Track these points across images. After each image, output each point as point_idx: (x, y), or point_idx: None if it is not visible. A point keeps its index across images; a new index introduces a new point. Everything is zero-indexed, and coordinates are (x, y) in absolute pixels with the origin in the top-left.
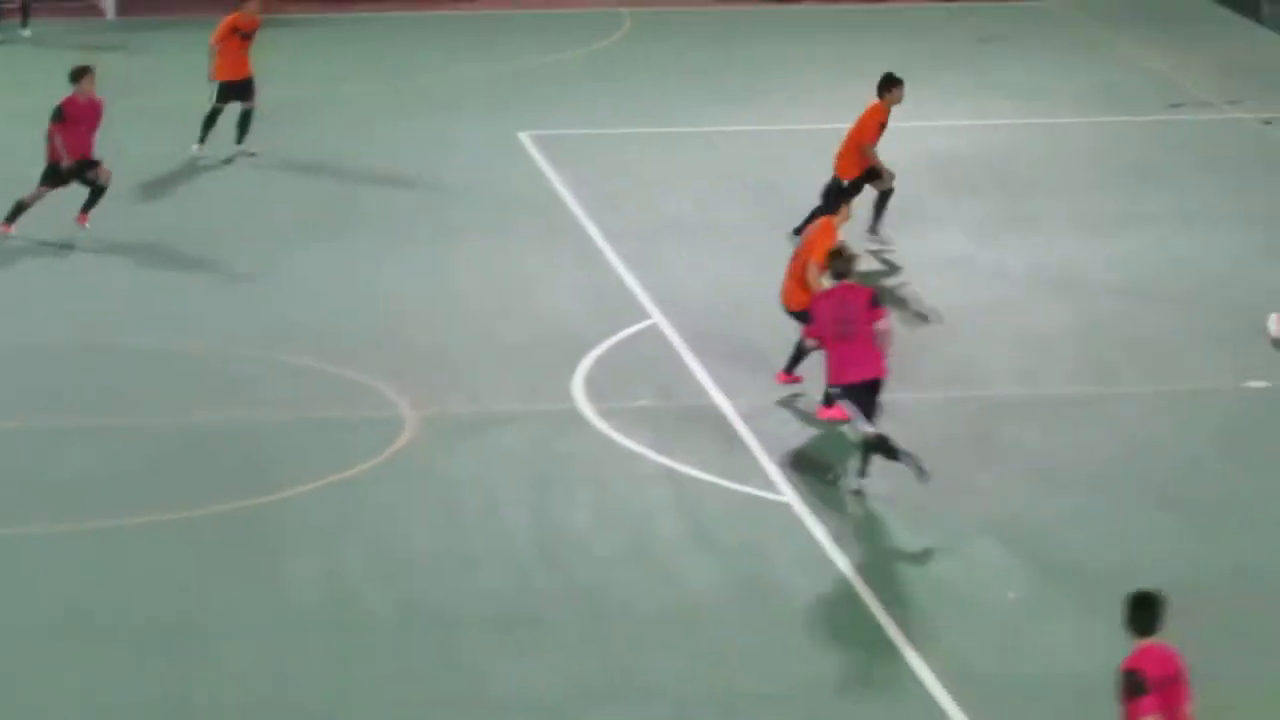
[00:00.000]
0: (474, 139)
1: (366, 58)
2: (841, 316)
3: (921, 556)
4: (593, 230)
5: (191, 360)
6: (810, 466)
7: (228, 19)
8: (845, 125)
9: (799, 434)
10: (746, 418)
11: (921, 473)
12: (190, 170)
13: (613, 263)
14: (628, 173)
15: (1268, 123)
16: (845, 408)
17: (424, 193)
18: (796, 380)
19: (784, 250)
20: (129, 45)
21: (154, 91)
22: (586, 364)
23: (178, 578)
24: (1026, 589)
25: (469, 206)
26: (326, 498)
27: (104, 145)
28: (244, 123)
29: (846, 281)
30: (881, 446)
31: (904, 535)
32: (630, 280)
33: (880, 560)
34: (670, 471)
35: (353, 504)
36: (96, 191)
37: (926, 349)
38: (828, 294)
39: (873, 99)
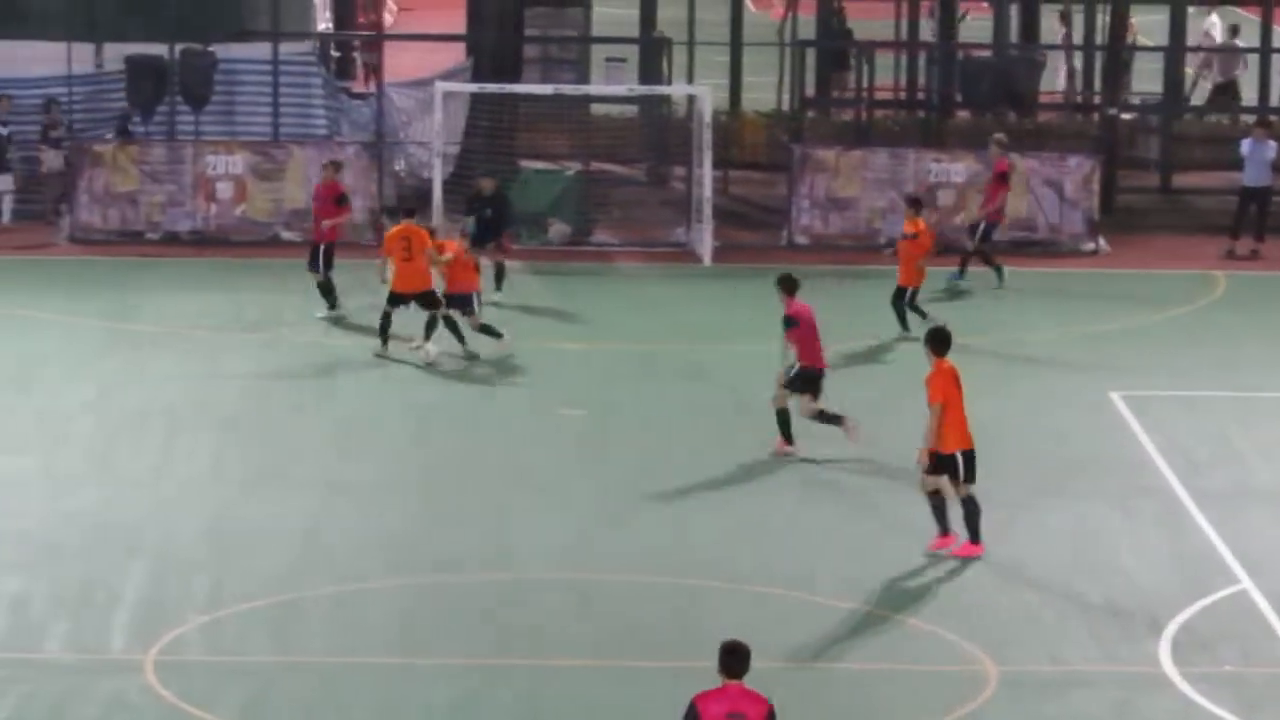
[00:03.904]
0: (1065, 397)
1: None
2: None
3: None
4: (1181, 493)
5: (764, 600)
6: None
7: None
8: None
9: None
10: None
11: None
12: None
13: (1201, 526)
14: (1220, 437)
15: None
16: None
17: (1012, 448)
18: None
19: None
20: (721, 293)
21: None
22: (1172, 626)
23: None
24: None
25: (1057, 463)
26: None
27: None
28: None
29: None
30: None
31: None
32: (1219, 544)
33: None
34: None
35: None
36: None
37: None
38: None
39: None
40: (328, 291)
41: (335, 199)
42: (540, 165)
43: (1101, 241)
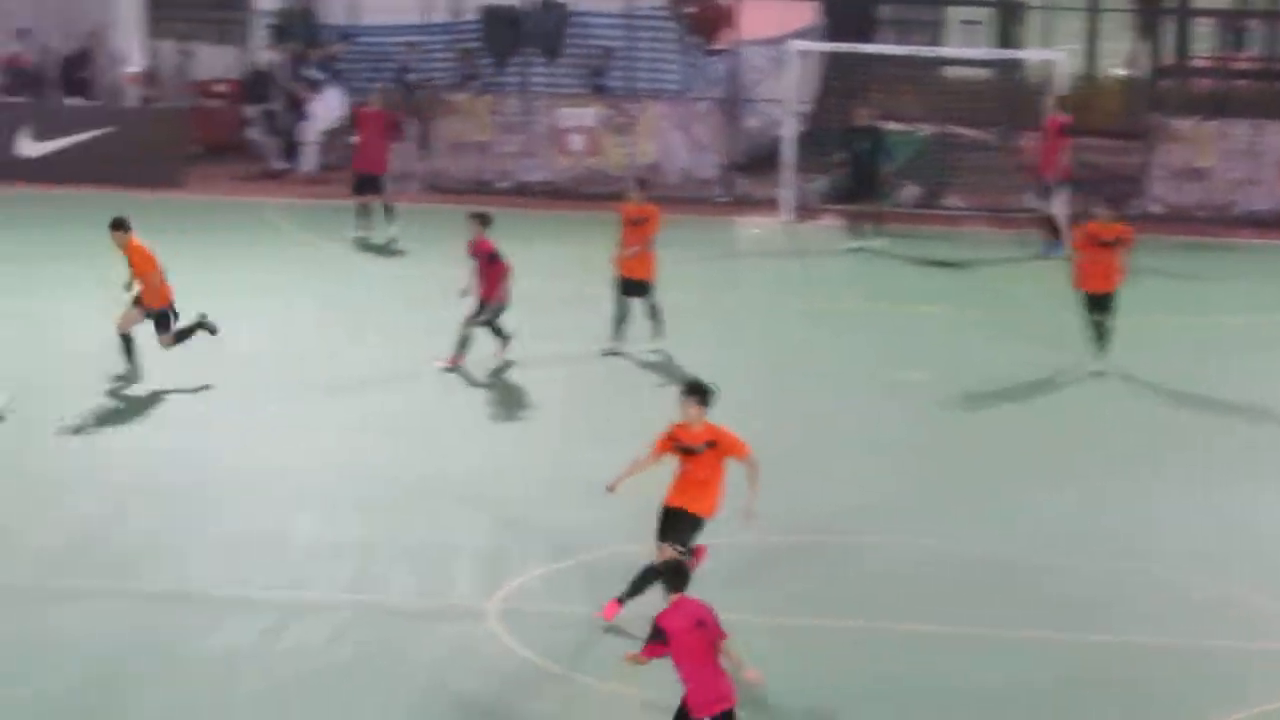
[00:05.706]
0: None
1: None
2: None
3: None
4: None
5: (1063, 574)
6: None
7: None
8: None
9: None
10: None
11: None
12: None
13: None
14: None
15: None
16: None
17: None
18: None
19: None
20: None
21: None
22: None
23: None
24: None
25: None
26: None
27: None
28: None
29: None
30: None
31: None
32: None
33: None
34: None
35: None
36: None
37: None
38: None
39: None
40: None
41: None
42: (893, 126)
43: None
